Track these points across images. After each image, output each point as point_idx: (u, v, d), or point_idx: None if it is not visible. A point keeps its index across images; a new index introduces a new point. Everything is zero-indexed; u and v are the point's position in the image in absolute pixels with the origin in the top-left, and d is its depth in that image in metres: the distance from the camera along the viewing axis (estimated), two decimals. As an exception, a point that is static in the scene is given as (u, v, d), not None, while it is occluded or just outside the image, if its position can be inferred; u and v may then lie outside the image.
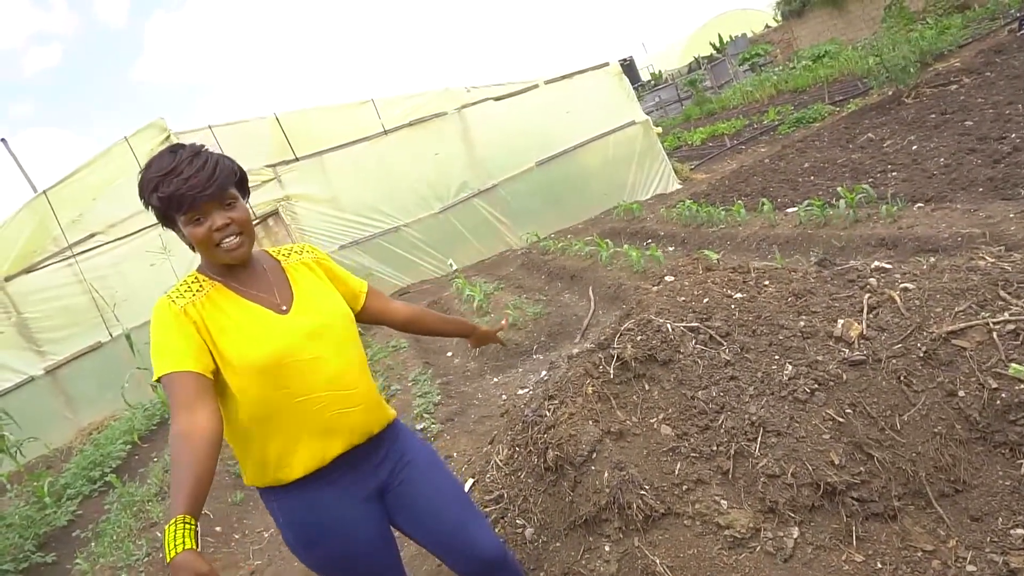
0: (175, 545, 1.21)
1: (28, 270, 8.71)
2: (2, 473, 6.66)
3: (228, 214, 1.57)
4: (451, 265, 9.99)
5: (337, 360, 1.65)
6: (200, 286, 1.62)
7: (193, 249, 1.66)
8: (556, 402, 2.37)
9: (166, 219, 1.59)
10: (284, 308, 1.65)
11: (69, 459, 6.94)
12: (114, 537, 4.53)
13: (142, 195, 1.57)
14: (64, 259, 8.79)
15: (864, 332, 2.21)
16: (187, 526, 1.24)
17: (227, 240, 1.57)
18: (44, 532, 5.08)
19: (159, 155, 1.56)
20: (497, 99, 10.21)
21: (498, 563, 1.83)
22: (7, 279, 8.60)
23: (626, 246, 6.54)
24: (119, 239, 8.91)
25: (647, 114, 11.02)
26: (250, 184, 1.77)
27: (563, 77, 10.45)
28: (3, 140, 11.22)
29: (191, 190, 1.51)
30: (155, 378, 1.50)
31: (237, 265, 1.65)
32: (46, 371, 8.72)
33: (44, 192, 8.72)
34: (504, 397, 4.61)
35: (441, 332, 2.15)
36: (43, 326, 8.77)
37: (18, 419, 7.14)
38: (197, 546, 1.23)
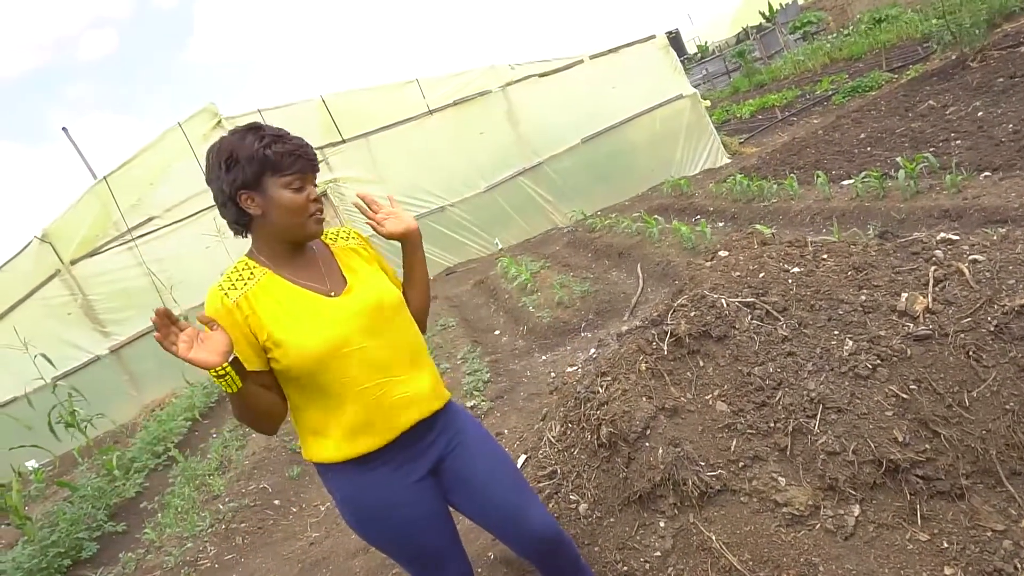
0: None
1: (92, 254, 9.05)
2: (74, 447, 7.00)
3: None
4: (497, 244, 10.00)
5: (390, 345, 1.65)
6: (251, 274, 1.61)
7: (242, 231, 1.66)
8: (609, 379, 2.36)
9: (255, 180, 1.56)
10: (335, 294, 1.64)
11: (134, 434, 7.24)
12: (179, 509, 4.73)
13: (239, 152, 1.55)
14: (124, 243, 9.11)
15: (930, 306, 2.13)
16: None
17: (318, 213, 1.63)
18: (114, 503, 5.32)
19: (258, 123, 1.60)
20: (542, 76, 10.10)
21: (554, 542, 1.81)
22: (72, 262, 8.95)
23: (675, 222, 6.43)
24: (175, 223, 9.18)
25: (694, 87, 10.76)
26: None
27: (608, 51, 10.27)
28: (64, 129, 11.63)
29: (306, 155, 1.59)
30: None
31: (293, 249, 1.66)
32: (111, 351, 9.08)
33: (105, 178, 9.02)
34: (553, 375, 4.62)
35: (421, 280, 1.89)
36: (106, 307, 9.12)
37: (86, 396, 7.49)
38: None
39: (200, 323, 1.49)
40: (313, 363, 1.56)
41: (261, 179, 1.56)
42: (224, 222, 1.69)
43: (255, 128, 1.59)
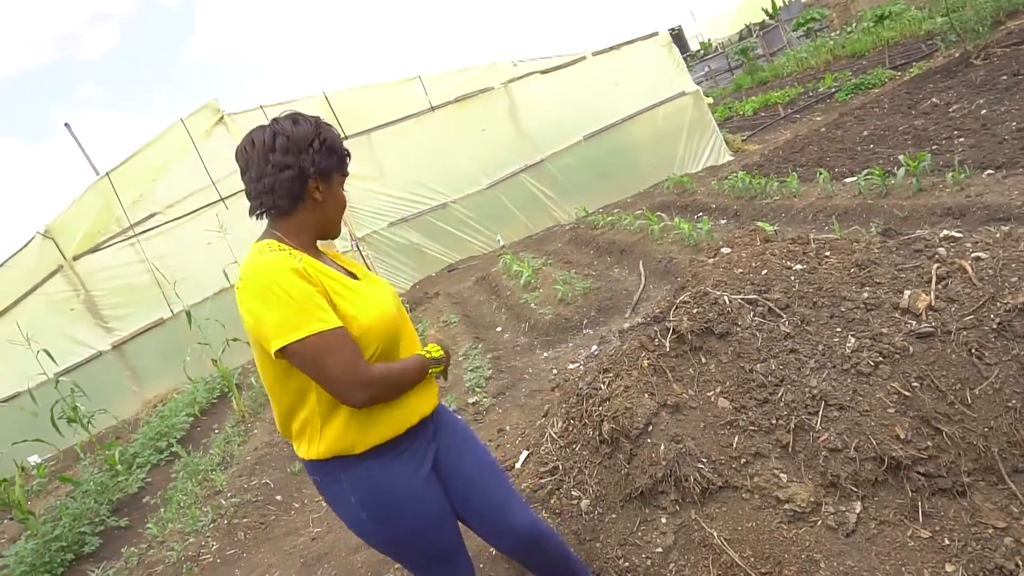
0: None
1: (94, 249, 9.04)
2: (76, 443, 7.01)
3: None
4: (499, 241, 10.00)
5: (409, 334, 1.75)
6: (291, 252, 1.56)
7: (288, 209, 1.60)
8: (611, 375, 2.37)
9: (329, 172, 1.63)
10: (356, 279, 1.70)
11: (136, 430, 7.25)
12: (181, 504, 4.74)
13: (332, 140, 1.64)
14: (126, 238, 9.10)
15: (932, 303, 2.13)
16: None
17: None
18: (117, 498, 5.33)
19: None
20: (544, 72, 10.08)
21: (535, 540, 1.86)
22: (75, 258, 8.94)
23: (677, 219, 6.43)
24: (177, 218, 9.18)
25: (697, 84, 10.74)
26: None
27: (611, 48, 10.25)
28: (66, 124, 11.63)
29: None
30: (299, 337, 1.43)
31: (315, 244, 1.71)
32: (113, 346, 9.08)
33: (107, 174, 9.01)
34: (555, 371, 4.62)
35: None
36: (109, 303, 9.11)
37: (88, 392, 7.49)
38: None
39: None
40: (380, 332, 1.58)
41: (332, 172, 1.64)
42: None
43: (328, 124, 1.67)
